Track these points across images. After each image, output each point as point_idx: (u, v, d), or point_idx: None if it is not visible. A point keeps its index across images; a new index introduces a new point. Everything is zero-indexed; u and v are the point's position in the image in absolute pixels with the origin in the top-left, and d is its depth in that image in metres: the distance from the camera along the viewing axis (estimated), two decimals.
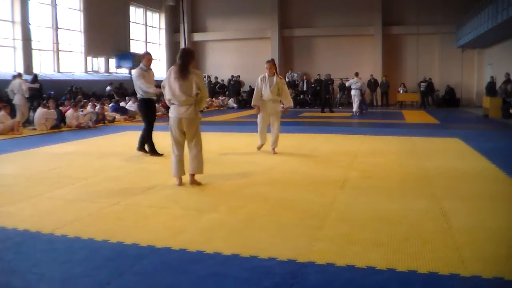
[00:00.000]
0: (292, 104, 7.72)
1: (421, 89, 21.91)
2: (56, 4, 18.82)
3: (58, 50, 19.02)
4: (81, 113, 12.95)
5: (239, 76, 24.33)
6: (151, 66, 7.63)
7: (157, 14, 26.23)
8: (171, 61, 24.47)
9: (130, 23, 23.15)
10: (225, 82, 24.92)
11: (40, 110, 12.05)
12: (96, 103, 14.56)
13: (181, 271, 2.94)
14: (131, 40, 23.08)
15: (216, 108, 21.42)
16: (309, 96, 22.97)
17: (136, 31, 24.13)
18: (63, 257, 3.20)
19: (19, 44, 16.85)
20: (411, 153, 7.73)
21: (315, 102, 22.19)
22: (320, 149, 8.26)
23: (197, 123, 5.26)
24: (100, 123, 13.38)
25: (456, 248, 3.28)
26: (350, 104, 20.15)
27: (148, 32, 25.32)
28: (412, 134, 10.28)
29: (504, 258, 3.11)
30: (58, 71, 19.01)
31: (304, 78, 23.96)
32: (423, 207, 4.34)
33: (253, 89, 8.16)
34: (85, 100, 15.45)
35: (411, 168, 6.33)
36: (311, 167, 6.51)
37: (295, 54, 25.50)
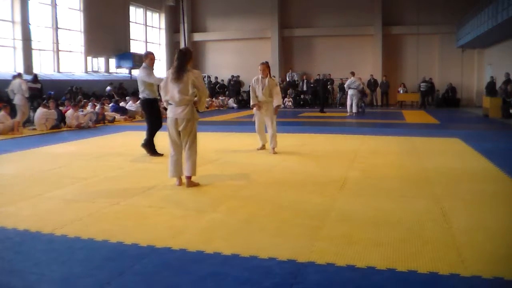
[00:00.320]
0: (281, 103, 7.79)
1: (421, 89, 21.92)
2: (56, 4, 18.82)
3: (58, 50, 19.03)
4: (81, 113, 12.95)
5: (239, 76, 24.33)
6: (154, 66, 7.58)
7: (157, 14, 26.23)
8: (171, 61, 24.44)
9: (130, 23, 23.16)
10: (225, 82, 24.93)
11: (40, 110, 12.05)
12: (96, 103, 14.56)
13: (181, 271, 2.94)
14: (131, 40, 23.09)
15: (216, 108, 21.42)
16: (309, 96, 22.98)
17: (136, 31, 24.14)
18: (63, 257, 3.20)
19: (19, 44, 16.86)
20: (411, 153, 7.73)
21: (315, 102, 22.21)
22: (320, 149, 8.26)
23: (193, 124, 5.23)
24: (100, 123, 13.38)
25: (456, 248, 3.28)
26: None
27: (148, 32, 25.32)
28: (412, 134, 10.28)
29: (504, 258, 3.11)
30: (58, 71, 19.01)
31: (304, 78, 23.98)
32: (423, 207, 4.34)
33: None
34: (85, 100, 15.45)
35: (411, 168, 6.33)
36: (311, 167, 6.51)
37: (295, 54, 25.50)
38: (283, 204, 4.50)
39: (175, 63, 5.15)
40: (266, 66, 7.83)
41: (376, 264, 3.00)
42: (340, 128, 12.19)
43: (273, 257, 3.12)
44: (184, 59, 5.15)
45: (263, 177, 5.80)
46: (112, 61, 21.90)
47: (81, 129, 12.21)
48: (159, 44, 26.42)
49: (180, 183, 5.32)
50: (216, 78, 25.48)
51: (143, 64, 7.44)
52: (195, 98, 5.24)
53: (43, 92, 15.11)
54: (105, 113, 14.11)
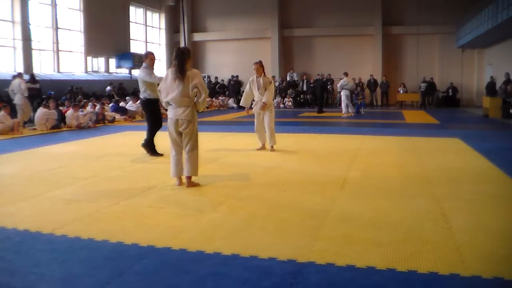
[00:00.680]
0: (266, 100, 7.74)
1: (422, 89, 21.93)
2: (56, 4, 18.82)
3: (58, 50, 19.03)
4: (81, 113, 12.95)
5: (238, 76, 24.32)
6: (154, 66, 7.58)
7: (157, 14, 26.23)
8: (171, 61, 24.45)
9: (130, 23, 23.16)
10: (225, 82, 24.92)
11: (41, 110, 12.05)
12: (96, 103, 14.56)
13: (181, 271, 2.94)
14: (131, 40, 23.09)
15: (216, 108, 21.43)
16: (309, 96, 22.97)
17: (136, 31, 24.14)
18: (63, 257, 3.20)
19: (19, 44, 16.86)
20: (411, 153, 7.73)
21: (315, 102, 22.19)
22: (320, 149, 8.26)
23: (194, 124, 5.23)
24: (100, 123, 13.38)
25: (456, 248, 3.28)
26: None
27: (148, 32, 25.32)
28: (412, 134, 10.28)
29: (504, 258, 3.11)
30: (58, 71, 19.01)
31: (304, 78, 23.97)
32: (423, 207, 4.34)
33: None
34: (85, 100, 15.45)
35: (411, 168, 6.33)
36: (311, 167, 6.51)
37: (295, 54, 25.50)
38: (283, 204, 4.50)
39: (175, 62, 5.13)
40: (259, 65, 7.90)
41: (376, 264, 3.00)
42: (340, 128, 12.19)
43: (273, 257, 3.12)
44: (183, 58, 5.12)
45: (263, 177, 5.80)
46: (112, 61, 21.91)
47: (81, 129, 12.21)
48: (159, 44, 26.42)
49: (180, 183, 5.32)
50: (216, 78, 25.48)
51: (144, 64, 7.44)
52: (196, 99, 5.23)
53: (42, 92, 15.10)
54: (105, 113, 14.12)
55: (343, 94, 16.65)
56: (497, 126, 12.70)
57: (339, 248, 3.29)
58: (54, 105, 12.54)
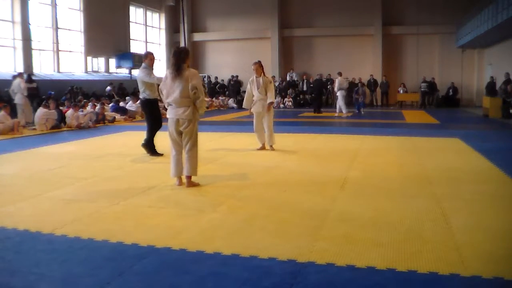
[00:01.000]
0: (274, 100, 7.96)
1: (422, 89, 21.92)
2: (56, 4, 18.82)
3: (58, 50, 19.03)
4: (81, 113, 12.95)
5: (238, 76, 24.32)
6: (153, 66, 7.58)
7: (157, 14, 26.23)
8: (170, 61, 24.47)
9: (130, 23, 23.16)
10: (225, 82, 24.92)
11: (41, 110, 12.05)
12: (96, 103, 14.56)
13: (181, 271, 2.94)
14: (131, 40, 23.09)
15: (216, 108, 21.43)
16: (309, 96, 22.96)
17: (136, 31, 24.13)
18: (63, 257, 3.20)
19: (19, 44, 16.86)
20: (411, 153, 7.73)
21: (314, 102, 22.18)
22: (320, 149, 8.26)
23: (194, 124, 5.23)
24: (100, 123, 13.38)
25: (456, 248, 3.27)
26: (350, 104, 20.15)
27: (148, 32, 25.32)
28: (412, 134, 10.28)
29: (504, 258, 3.11)
30: (58, 71, 19.01)
31: (304, 78, 23.97)
32: (423, 207, 4.34)
33: None
34: (85, 100, 15.45)
35: (411, 168, 6.33)
36: (311, 167, 6.51)
37: (295, 54, 25.50)
38: (283, 204, 4.50)
39: (172, 61, 5.14)
40: (259, 65, 7.96)
41: (376, 264, 3.00)
42: (340, 128, 12.18)
43: (273, 257, 3.12)
44: (180, 57, 5.13)
45: (263, 177, 5.80)
46: (112, 61, 21.90)
47: (81, 129, 12.21)
48: (159, 44, 26.43)
49: (180, 183, 5.32)
50: (216, 78, 25.48)
51: (143, 64, 7.45)
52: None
53: (40, 91, 15.10)
54: (105, 113, 14.11)
55: (340, 95, 16.62)
56: (497, 126, 12.70)
57: (339, 248, 3.29)
58: (55, 106, 12.53)
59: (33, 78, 15.39)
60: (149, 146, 7.53)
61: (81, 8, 20.07)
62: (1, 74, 15.69)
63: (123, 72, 22.47)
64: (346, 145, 8.74)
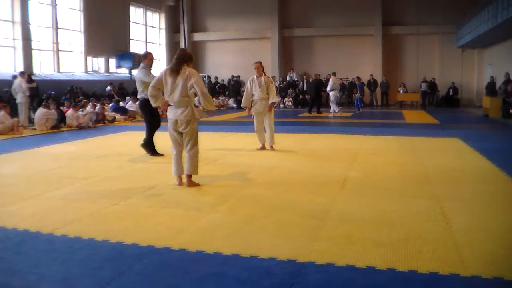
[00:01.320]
0: (276, 100, 7.97)
1: (422, 89, 21.89)
2: (56, 4, 18.81)
3: (58, 50, 19.02)
4: (81, 113, 12.95)
5: (239, 76, 24.33)
6: (152, 66, 7.58)
7: (157, 14, 26.22)
8: (171, 61, 24.47)
9: (130, 23, 23.14)
10: (225, 82, 24.92)
11: (41, 110, 12.05)
12: (96, 103, 14.56)
13: (181, 271, 2.94)
14: (131, 40, 23.08)
15: (216, 108, 21.41)
16: (309, 96, 22.94)
17: (136, 31, 24.12)
18: (63, 257, 3.20)
19: (19, 44, 16.84)
20: (411, 153, 7.73)
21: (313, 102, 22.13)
22: (320, 149, 8.26)
23: (193, 124, 5.23)
24: (100, 123, 13.39)
25: (456, 248, 3.27)
26: (350, 104, 20.19)
27: (148, 32, 25.31)
28: (412, 134, 10.28)
29: (504, 258, 3.11)
30: (58, 71, 19.00)
31: (304, 78, 23.96)
32: (423, 207, 4.34)
33: None
34: (85, 100, 15.45)
35: (411, 168, 6.33)
36: (311, 167, 6.51)
37: (295, 54, 25.50)
38: (283, 204, 4.50)
39: (174, 61, 5.17)
40: (260, 64, 8.02)
41: (376, 264, 3.00)
42: (340, 128, 12.18)
43: (273, 257, 3.12)
44: (181, 59, 5.15)
45: (263, 177, 5.80)
46: (112, 61, 21.89)
47: (81, 129, 12.21)
48: (159, 44, 26.42)
49: (180, 183, 5.32)
50: (216, 78, 25.47)
51: (142, 64, 7.46)
52: (195, 100, 5.24)
53: (39, 91, 15.10)
54: (105, 113, 14.11)
55: (332, 95, 16.55)
56: (497, 126, 12.70)
57: (339, 248, 3.29)
58: (55, 107, 12.52)
59: (33, 78, 15.39)
60: (149, 146, 7.53)
61: (81, 8, 20.06)
62: (1, 74, 15.69)
63: (123, 72, 22.46)
64: (346, 145, 8.74)
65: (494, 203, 4.55)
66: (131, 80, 20.70)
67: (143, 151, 7.57)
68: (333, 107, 16.42)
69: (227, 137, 10.20)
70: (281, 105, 22.09)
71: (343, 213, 4.16)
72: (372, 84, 22.74)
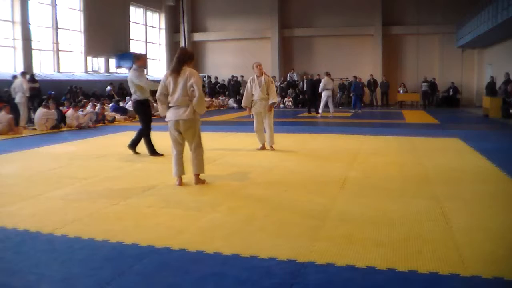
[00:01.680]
0: (276, 100, 7.99)
1: (423, 89, 21.88)
2: (56, 4, 18.81)
3: (58, 50, 19.02)
4: (81, 113, 12.95)
5: (242, 76, 24.31)
6: (145, 69, 7.60)
7: (157, 14, 26.22)
8: (171, 61, 24.45)
9: (130, 23, 23.14)
10: (225, 82, 24.92)
11: (41, 110, 12.05)
12: (96, 103, 14.56)
13: (181, 271, 2.94)
14: (131, 40, 23.07)
15: (216, 108, 21.43)
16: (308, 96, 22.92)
17: (136, 31, 24.12)
18: (63, 257, 3.20)
19: (19, 44, 16.84)
20: (411, 153, 7.73)
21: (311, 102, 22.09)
22: (320, 149, 8.26)
23: (195, 124, 5.25)
24: (100, 123, 13.39)
25: (456, 248, 3.27)
26: (350, 104, 20.15)
27: (148, 32, 25.31)
28: (412, 134, 10.28)
29: (504, 258, 3.11)
30: (58, 71, 19.00)
31: (304, 78, 23.92)
32: (423, 207, 4.34)
33: None
34: (85, 100, 15.45)
35: (411, 168, 6.33)
36: (311, 167, 6.51)
37: (295, 54, 25.50)
38: (283, 204, 4.51)
39: (175, 61, 5.19)
40: (260, 64, 8.07)
41: (376, 264, 3.00)
42: (340, 128, 12.18)
43: (273, 257, 3.12)
44: (183, 59, 5.17)
45: (263, 177, 5.80)
46: (112, 61, 21.89)
47: (81, 129, 12.21)
48: (159, 44, 26.41)
49: (181, 183, 5.33)
50: (216, 78, 25.47)
51: (134, 66, 7.48)
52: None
53: (41, 91, 15.10)
54: (105, 113, 14.11)
55: (325, 95, 16.46)
56: (497, 126, 12.70)
57: (339, 248, 3.29)
58: (55, 107, 12.52)
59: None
60: (149, 146, 7.53)
61: (81, 8, 20.05)
62: (1, 74, 15.68)
63: (123, 72, 22.43)
64: (346, 145, 8.74)
65: (494, 203, 4.55)
66: None
67: (143, 151, 7.55)
68: (319, 107, 16.33)
69: (227, 137, 10.20)
70: (281, 105, 22.09)
71: (343, 213, 4.16)
72: (372, 84, 22.74)
